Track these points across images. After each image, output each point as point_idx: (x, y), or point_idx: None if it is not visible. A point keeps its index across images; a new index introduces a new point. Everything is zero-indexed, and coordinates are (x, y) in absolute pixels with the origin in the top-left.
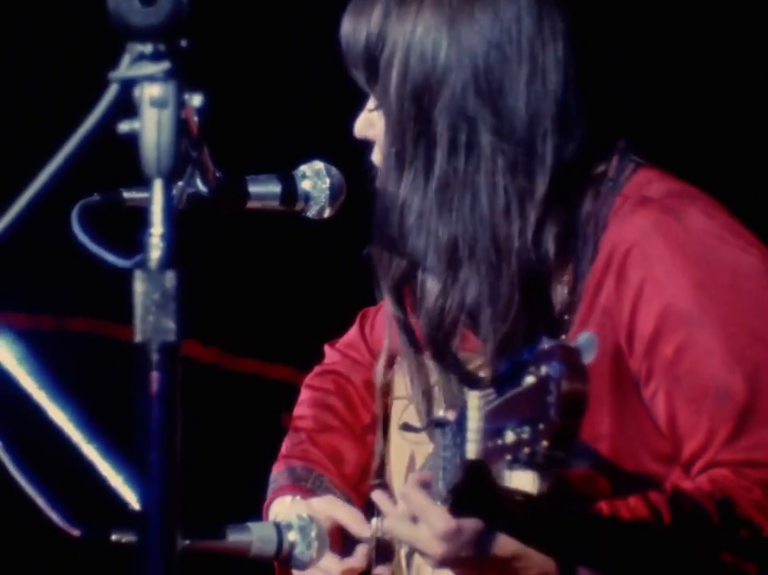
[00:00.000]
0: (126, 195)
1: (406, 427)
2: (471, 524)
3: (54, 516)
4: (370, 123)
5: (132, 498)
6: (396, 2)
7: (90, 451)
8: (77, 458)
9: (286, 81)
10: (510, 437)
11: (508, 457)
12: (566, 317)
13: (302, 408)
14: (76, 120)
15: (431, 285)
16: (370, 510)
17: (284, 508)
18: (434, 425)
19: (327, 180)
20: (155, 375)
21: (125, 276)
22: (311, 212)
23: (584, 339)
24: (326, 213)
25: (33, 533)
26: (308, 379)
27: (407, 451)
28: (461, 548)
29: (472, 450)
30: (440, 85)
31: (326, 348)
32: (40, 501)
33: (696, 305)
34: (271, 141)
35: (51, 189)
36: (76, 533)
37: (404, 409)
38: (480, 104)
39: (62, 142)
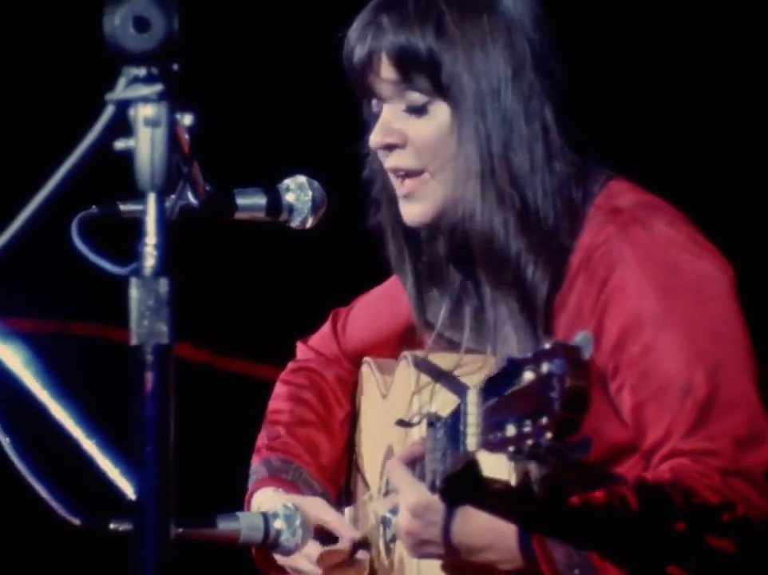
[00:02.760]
0: (122, 207)
1: (401, 423)
2: (441, 506)
3: (56, 506)
4: (392, 130)
5: (128, 490)
6: (447, 6)
7: (90, 446)
8: (77, 452)
9: (271, 102)
10: (511, 430)
11: (511, 448)
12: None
13: (278, 402)
14: (75, 138)
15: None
16: (345, 499)
17: (267, 499)
18: (427, 420)
19: (309, 193)
20: (149, 376)
21: (124, 283)
22: (295, 223)
23: (581, 338)
24: (309, 223)
25: (37, 521)
26: (283, 375)
27: (384, 444)
28: (427, 526)
29: (472, 443)
30: (509, 69)
31: (299, 345)
32: (43, 493)
33: (661, 307)
34: (257, 157)
35: (53, 202)
36: (76, 521)
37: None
38: (543, 84)
39: (63, 159)
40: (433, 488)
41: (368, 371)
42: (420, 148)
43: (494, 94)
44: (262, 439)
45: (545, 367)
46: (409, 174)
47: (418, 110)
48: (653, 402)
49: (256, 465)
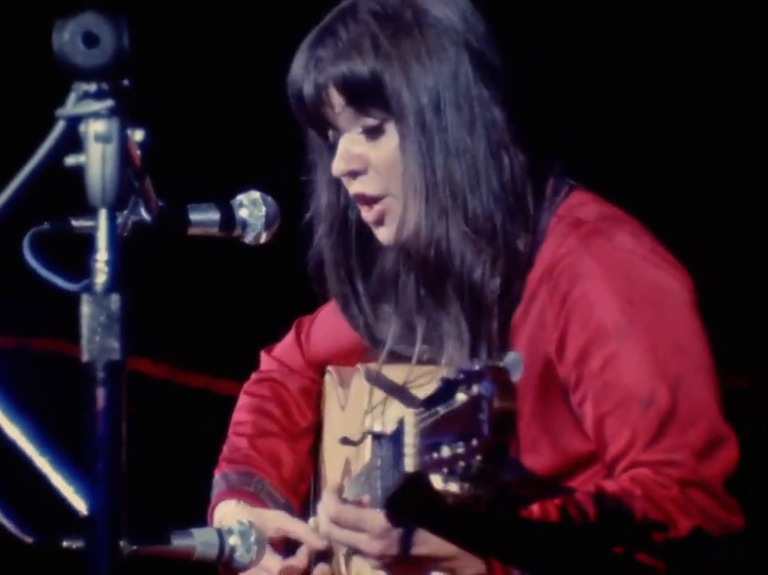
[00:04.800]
0: (74, 223)
1: (345, 441)
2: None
3: (8, 523)
4: (353, 156)
5: (81, 506)
6: (378, 27)
7: (42, 462)
8: (29, 468)
9: (224, 117)
10: (446, 451)
11: (445, 470)
12: (504, 320)
13: (242, 414)
14: (26, 154)
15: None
16: (307, 510)
17: (229, 511)
18: (371, 438)
19: (263, 209)
20: (100, 392)
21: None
22: (248, 238)
23: (512, 358)
24: (263, 239)
25: None
26: (246, 386)
27: (343, 456)
28: (399, 546)
29: (410, 464)
30: (448, 79)
31: (263, 355)
32: None
33: (624, 319)
34: (211, 172)
35: (5, 218)
36: (28, 539)
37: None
38: (486, 85)
39: (13, 174)
40: (380, 507)
41: (330, 381)
42: (380, 172)
43: (435, 106)
44: (225, 451)
45: (475, 389)
46: (374, 200)
47: (374, 133)
48: (615, 415)
49: (218, 477)
